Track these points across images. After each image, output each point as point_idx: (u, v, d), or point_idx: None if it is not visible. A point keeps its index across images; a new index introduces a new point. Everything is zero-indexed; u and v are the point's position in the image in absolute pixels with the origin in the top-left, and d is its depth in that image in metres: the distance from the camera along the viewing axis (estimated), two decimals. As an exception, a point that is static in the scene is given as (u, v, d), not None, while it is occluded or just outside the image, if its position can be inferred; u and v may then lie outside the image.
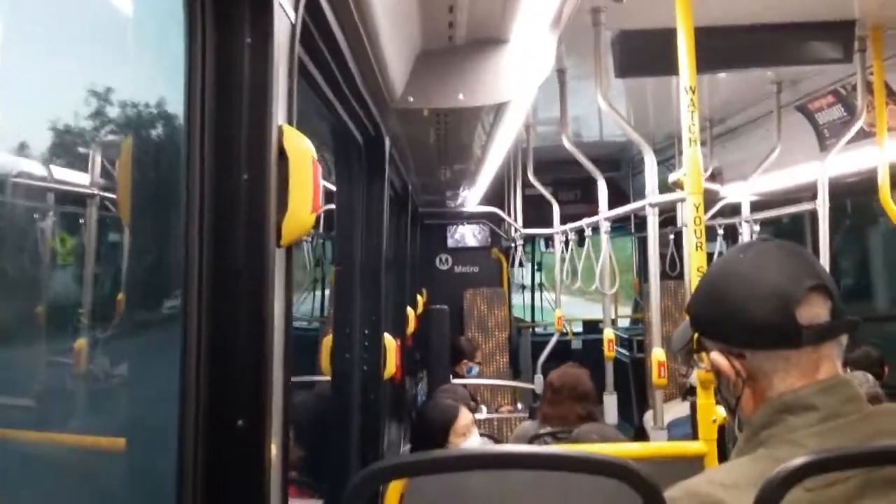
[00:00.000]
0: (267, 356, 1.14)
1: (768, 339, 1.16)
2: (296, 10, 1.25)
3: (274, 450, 1.16)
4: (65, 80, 1.39)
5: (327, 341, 2.68)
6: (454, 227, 7.94)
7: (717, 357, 1.22)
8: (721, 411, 2.56)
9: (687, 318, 1.34)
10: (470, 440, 3.21)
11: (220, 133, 1.08)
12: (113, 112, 1.51)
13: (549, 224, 5.99)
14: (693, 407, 3.39)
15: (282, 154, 1.16)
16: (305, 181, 1.18)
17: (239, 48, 1.08)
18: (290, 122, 1.22)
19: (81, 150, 1.56)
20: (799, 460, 0.97)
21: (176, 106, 1.04)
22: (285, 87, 1.21)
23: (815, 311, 1.15)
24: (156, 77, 1.16)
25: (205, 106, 1.07)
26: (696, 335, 1.28)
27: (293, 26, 1.24)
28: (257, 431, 1.11)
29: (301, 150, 1.19)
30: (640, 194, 3.76)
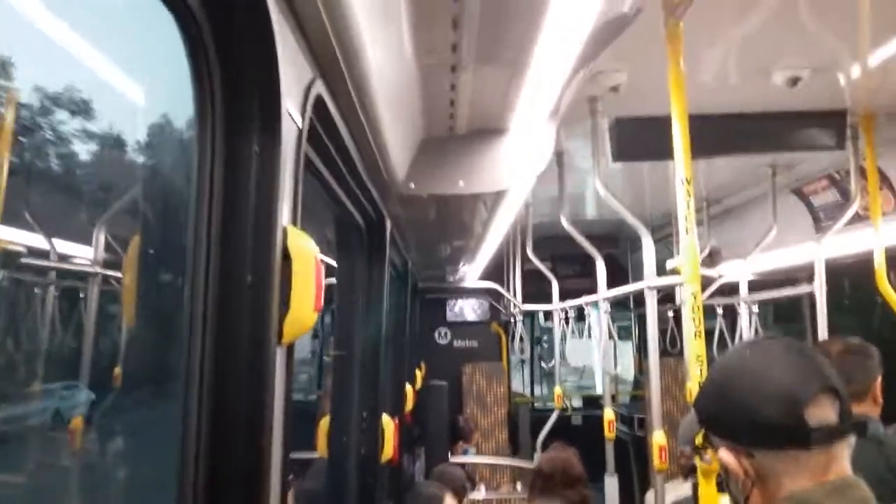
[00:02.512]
0: (265, 456, 1.14)
1: (777, 439, 1.16)
2: (303, 115, 1.29)
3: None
4: (80, 172, 1.43)
5: (324, 423, 2.66)
6: (454, 301, 7.94)
7: (725, 455, 1.22)
8: (725, 503, 2.51)
9: (692, 410, 1.34)
10: None
11: (227, 237, 1.11)
12: (123, 203, 1.54)
13: (549, 298, 5.99)
14: (695, 489, 3.33)
15: (286, 255, 1.18)
16: (308, 282, 1.20)
17: (247, 155, 1.11)
18: (294, 223, 1.25)
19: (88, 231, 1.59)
20: None
21: (184, 208, 1.07)
22: (291, 188, 1.24)
23: (823, 412, 1.15)
24: (166, 179, 1.20)
25: (212, 210, 1.09)
26: (703, 431, 1.29)
27: (300, 130, 1.28)
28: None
29: (304, 251, 1.21)
30: (639, 270, 3.78)
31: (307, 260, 1.22)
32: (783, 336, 1.35)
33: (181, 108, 1.15)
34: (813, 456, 1.14)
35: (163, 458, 1.16)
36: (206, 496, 1.09)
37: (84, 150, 1.36)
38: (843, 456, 1.16)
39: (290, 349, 1.29)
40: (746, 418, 1.18)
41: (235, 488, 1.12)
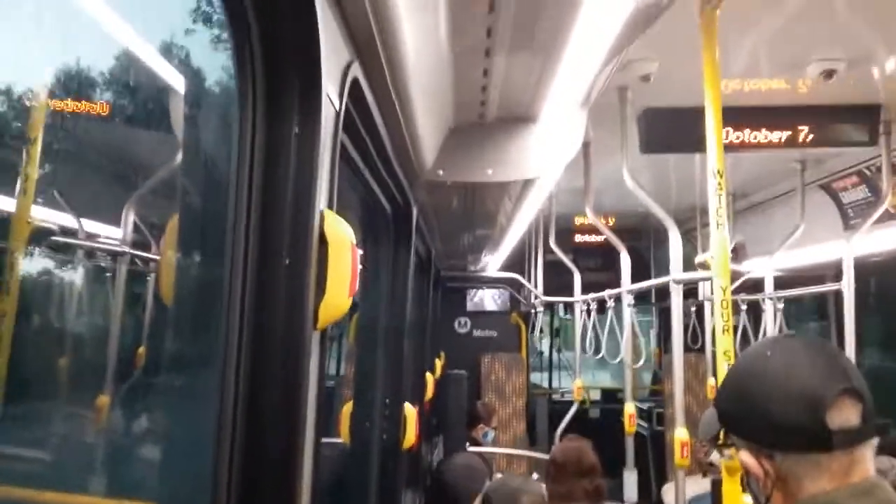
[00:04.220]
0: (299, 441, 1.13)
1: (798, 443, 1.14)
2: (341, 98, 1.28)
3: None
4: (116, 152, 1.43)
5: (347, 409, 2.66)
6: (474, 291, 7.92)
7: (745, 457, 1.21)
8: (748, 500, 2.50)
9: (713, 406, 1.33)
10: None
11: (265, 219, 1.10)
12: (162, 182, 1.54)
13: (570, 290, 5.96)
14: (714, 485, 3.30)
15: (322, 239, 1.17)
16: (344, 266, 1.19)
17: (287, 137, 1.10)
18: (331, 207, 1.24)
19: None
20: None
21: (223, 191, 1.07)
22: (328, 172, 1.23)
23: (845, 415, 1.13)
24: (206, 159, 1.19)
25: (252, 192, 1.09)
26: (723, 430, 1.27)
27: (338, 114, 1.27)
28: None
29: (341, 236, 1.20)
30: (662, 264, 3.75)
31: (343, 245, 1.21)
32: (806, 334, 1.33)
33: (222, 88, 1.14)
34: (835, 459, 1.13)
35: (198, 443, 1.16)
36: (241, 480, 1.08)
37: (130, 129, 1.36)
38: (866, 458, 1.15)
39: (324, 335, 1.28)
40: (766, 421, 1.16)
41: (269, 472, 1.11)
